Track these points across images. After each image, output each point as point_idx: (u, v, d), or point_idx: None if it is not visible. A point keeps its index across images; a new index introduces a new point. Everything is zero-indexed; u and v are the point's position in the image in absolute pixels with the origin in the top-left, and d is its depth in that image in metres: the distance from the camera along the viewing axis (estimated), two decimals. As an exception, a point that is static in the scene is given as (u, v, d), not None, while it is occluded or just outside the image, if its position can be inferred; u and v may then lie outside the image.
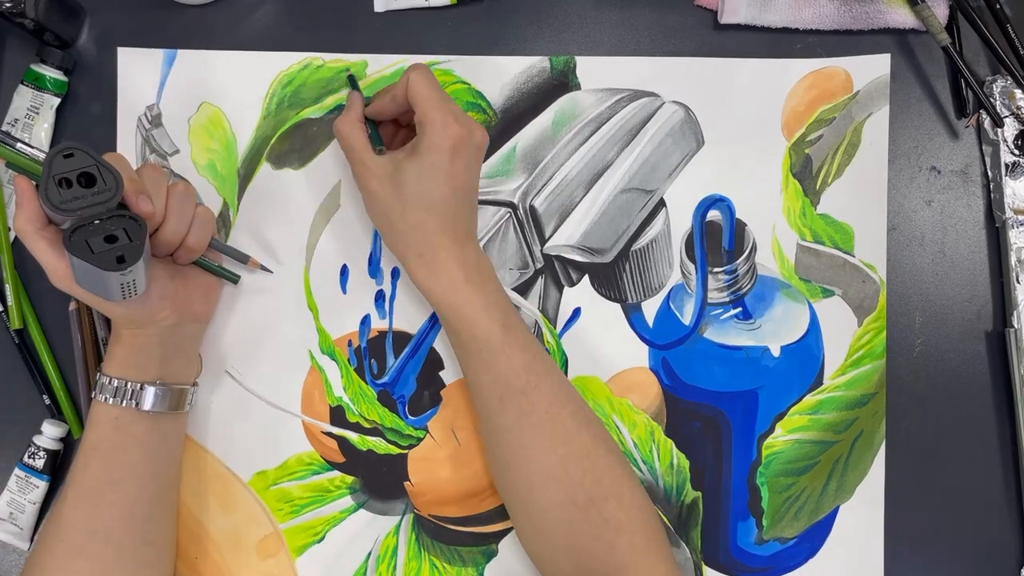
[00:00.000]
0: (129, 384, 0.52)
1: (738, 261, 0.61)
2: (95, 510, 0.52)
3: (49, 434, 0.58)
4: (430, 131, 0.51)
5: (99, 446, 0.52)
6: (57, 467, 0.59)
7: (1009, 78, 0.60)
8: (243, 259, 0.58)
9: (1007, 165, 0.60)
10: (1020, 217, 0.60)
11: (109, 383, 0.52)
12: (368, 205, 0.55)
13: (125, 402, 0.52)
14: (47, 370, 0.60)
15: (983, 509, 0.60)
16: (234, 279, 0.58)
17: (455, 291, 0.52)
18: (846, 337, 0.60)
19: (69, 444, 0.60)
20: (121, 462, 0.53)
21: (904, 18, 0.60)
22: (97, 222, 0.46)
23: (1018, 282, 0.59)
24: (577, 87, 0.61)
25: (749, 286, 0.61)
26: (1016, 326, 0.59)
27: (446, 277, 0.52)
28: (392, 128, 0.58)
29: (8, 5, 0.55)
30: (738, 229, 0.61)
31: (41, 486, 0.58)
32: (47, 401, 0.60)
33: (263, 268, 0.59)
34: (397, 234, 0.53)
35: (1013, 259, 0.60)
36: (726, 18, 0.60)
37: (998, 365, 0.60)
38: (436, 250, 0.52)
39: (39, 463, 0.58)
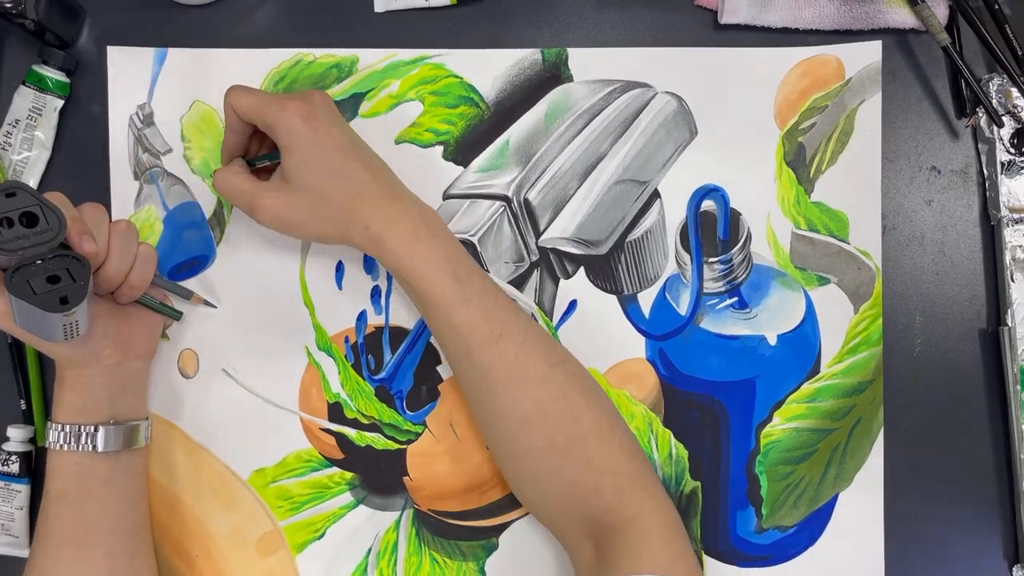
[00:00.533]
0: (82, 427, 0.52)
1: (733, 250, 0.61)
2: (77, 555, 0.52)
3: (16, 438, 0.58)
4: (277, 123, 0.51)
5: (67, 494, 0.52)
6: (32, 467, 0.59)
7: (1006, 76, 0.60)
8: (187, 295, 0.58)
9: (1003, 164, 0.60)
10: (1015, 215, 0.60)
11: (62, 430, 0.52)
12: (290, 230, 0.53)
13: (81, 446, 0.52)
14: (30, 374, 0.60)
15: (980, 507, 0.60)
16: (176, 316, 0.58)
17: (404, 251, 0.51)
18: (842, 324, 0.60)
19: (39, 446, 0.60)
20: (91, 506, 0.53)
21: (904, 18, 0.60)
22: (39, 262, 0.45)
23: (1012, 280, 0.59)
24: (569, 79, 0.61)
25: (744, 275, 0.61)
26: (1010, 324, 0.59)
27: (393, 240, 0.51)
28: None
29: (8, 5, 0.55)
30: (733, 218, 0.61)
31: (23, 490, 0.58)
32: (23, 406, 0.60)
33: (207, 303, 0.59)
34: (333, 222, 0.52)
35: (1008, 257, 0.60)
36: (726, 18, 0.60)
37: (994, 363, 0.60)
38: (373, 217, 0.51)
39: (14, 468, 0.58)
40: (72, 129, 0.61)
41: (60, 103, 0.60)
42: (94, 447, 0.52)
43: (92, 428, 0.52)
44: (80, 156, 0.61)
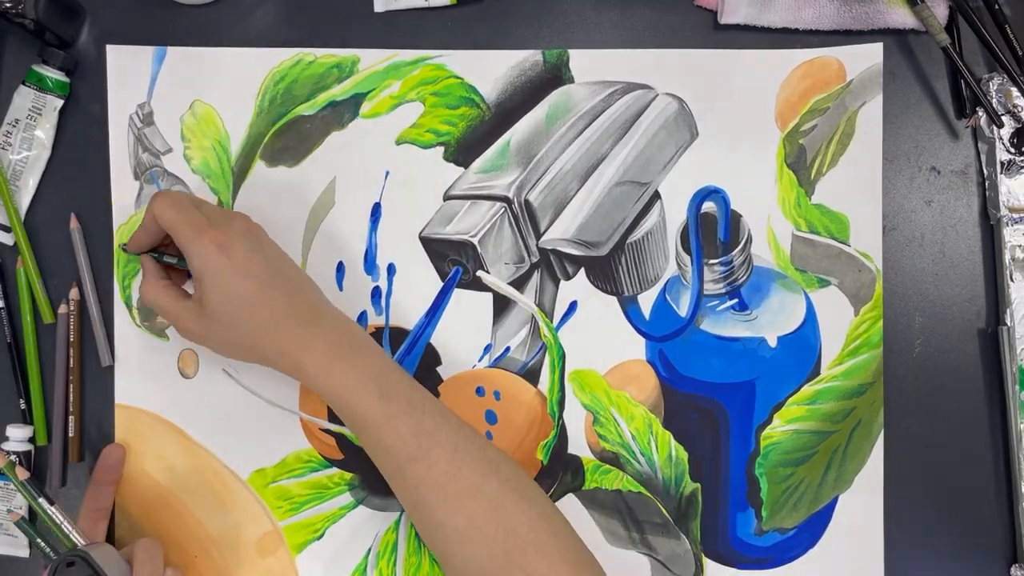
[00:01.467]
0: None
1: (734, 252, 0.61)
2: None
3: (16, 437, 0.58)
4: (191, 249, 0.51)
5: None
6: (32, 467, 0.59)
7: (1005, 75, 0.60)
8: None
9: (1002, 163, 0.60)
10: (1015, 215, 0.60)
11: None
12: (213, 349, 0.54)
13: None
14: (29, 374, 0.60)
15: (978, 507, 0.60)
16: None
17: (324, 374, 0.50)
18: (843, 327, 0.60)
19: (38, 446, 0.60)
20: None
21: (904, 18, 0.60)
22: None
23: (1011, 280, 0.59)
24: (570, 80, 0.61)
25: (745, 277, 0.61)
26: (1009, 324, 0.59)
27: (310, 364, 0.50)
28: None
29: (8, 5, 0.55)
30: (733, 220, 0.61)
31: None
32: (23, 406, 0.60)
33: None
34: (249, 350, 0.52)
35: (1007, 257, 0.60)
36: (726, 18, 0.60)
37: (994, 363, 0.60)
38: (288, 343, 0.51)
39: None
40: (72, 129, 0.61)
41: (60, 103, 0.60)
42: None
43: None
44: (80, 156, 0.61)
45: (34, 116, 0.59)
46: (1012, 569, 0.59)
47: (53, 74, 0.59)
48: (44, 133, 0.60)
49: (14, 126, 0.59)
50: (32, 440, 0.59)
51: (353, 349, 0.51)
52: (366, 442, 0.52)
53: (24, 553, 0.59)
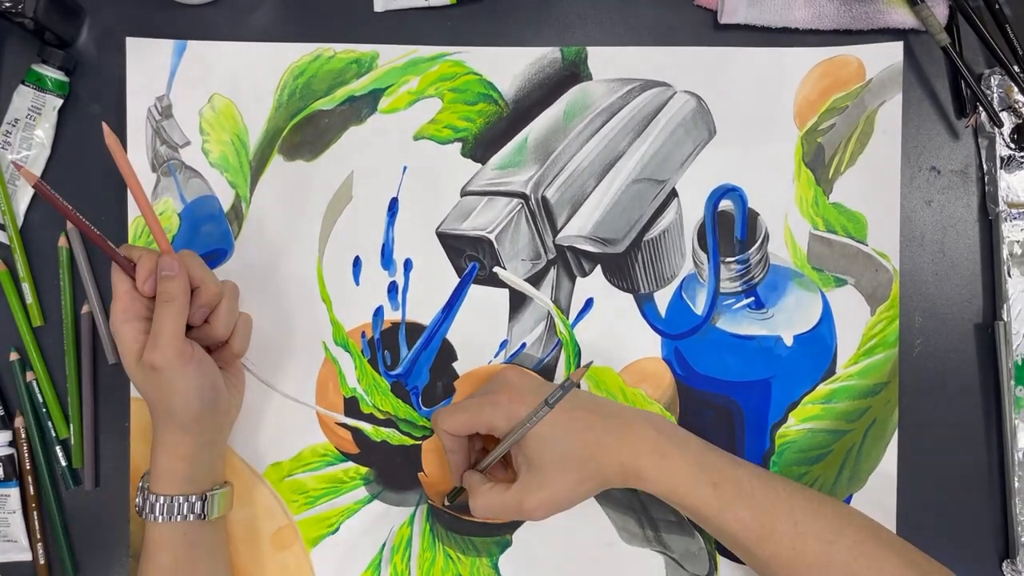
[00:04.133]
0: (192, 498, 0.52)
1: (750, 251, 0.61)
2: None
3: None
4: (499, 422, 0.52)
5: (176, 566, 0.52)
6: (16, 469, 0.59)
7: (1005, 74, 0.60)
8: None
9: (1002, 159, 0.60)
10: (1014, 211, 0.60)
11: (172, 501, 0.52)
12: (563, 507, 0.53)
13: (192, 516, 0.52)
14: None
15: (973, 502, 0.60)
16: None
17: (661, 475, 0.51)
18: (859, 326, 0.60)
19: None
20: (201, 573, 0.53)
21: (904, 18, 0.60)
22: None
23: (1009, 275, 0.60)
24: (588, 77, 0.61)
25: (761, 276, 0.61)
26: (1005, 319, 0.59)
27: (647, 467, 0.51)
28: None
29: (8, 5, 0.55)
30: (750, 218, 0.61)
31: (12, 493, 0.59)
32: (0, 411, 0.60)
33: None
34: (592, 483, 0.52)
35: (1005, 252, 0.60)
36: (726, 18, 0.60)
37: (992, 359, 0.60)
38: (619, 453, 0.51)
39: None
40: (71, 128, 0.61)
41: (59, 102, 0.60)
42: (201, 516, 0.52)
43: (201, 497, 0.52)
44: (79, 155, 0.61)
45: (34, 116, 0.59)
46: (1004, 565, 0.60)
47: (53, 74, 0.59)
48: (44, 133, 0.60)
49: (14, 126, 0.59)
50: (12, 444, 0.59)
51: (672, 440, 0.52)
52: (711, 530, 0.53)
53: (26, 557, 0.59)
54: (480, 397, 0.54)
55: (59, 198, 0.49)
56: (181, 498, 0.52)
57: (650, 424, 0.53)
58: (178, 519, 0.52)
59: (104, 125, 0.49)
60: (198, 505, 0.52)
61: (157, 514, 0.51)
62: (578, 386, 0.54)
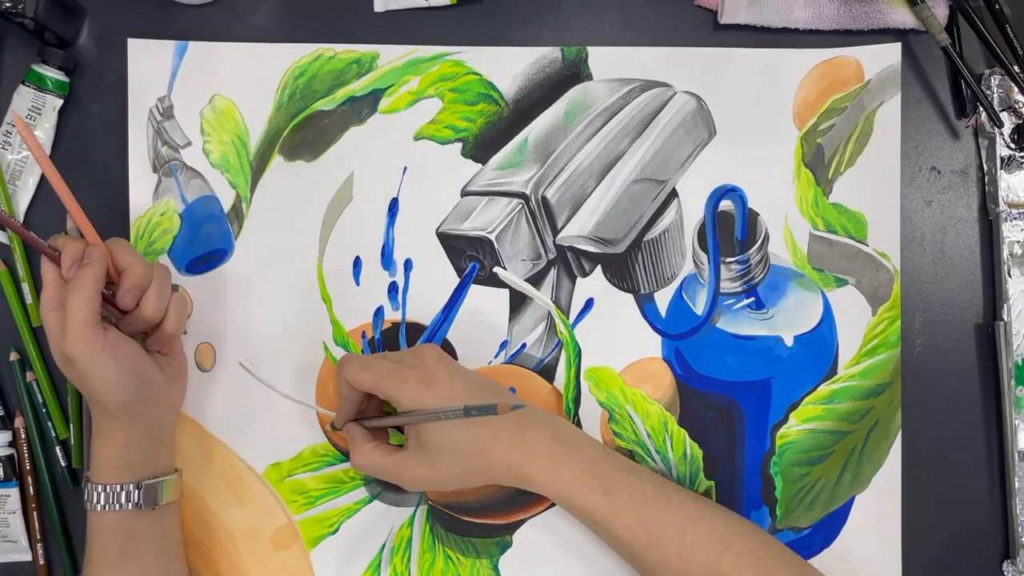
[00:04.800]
0: (127, 486, 0.51)
1: (751, 251, 0.61)
2: None
3: None
4: (400, 396, 0.52)
5: (104, 556, 0.52)
6: (16, 470, 0.59)
7: (1005, 74, 0.60)
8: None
9: (1003, 159, 0.60)
10: (1014, 211, 0.60)
11: (105, 490, 0.51)
12: (439, 488, 0.54)
13: (126, 505, 0.51)
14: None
15: (973, 502, 0.60)
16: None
17: (550, 478, 0.51)
18: (860, 326, 0.60)
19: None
20: (132, 567, 0.52)
21: (904, 18, 0.60)
22: None
23: (1009, 276, 0.60)
24: (589, 77, 0.61)
25: (762, 276, 0.61)
26: (1006, 319, 0.59)
27: (537, 471, 0.51)
28: None
29: (8, 5, 0.55)
30: (750, 219, 0.61)
31: (12, 493, 0.59)
32: (0, 412, 0.60)
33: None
34: (477, 472, 0.52)
35: (1005, 252, 0.60)
36: (726, 18, 0.60)
37: (992, 359, 0.60)
38: (512, 455, 0.51)
39: None
40: (71, 129, 0.61)
41: (59, 102, 0.60)
42: (138, 504, 0.52)
43: (136, 485, 0.52)
44: (79, 155, 0.61)
45: (33, 116, 0.59)
46: (1004, 565, 0.59)
47: (53, 74, 0.59)
48: (43, 133, 0.60)
49: (14, 126, 0.60)
50: (12, 444, 0.60)
51: (567, 445, 0.52)
52: (598, 534, 0.53)
53: (26, 557, 0.59)
54: (391, 365, 0.52)
55: None
56: (118, 487, 0.51)
57: (547, 426, 0.53)
58: (116, 507, 0.51)
59: (13, 112, 0.49)
60: (136, 494, 0.51)
61: (94, 502, 0.51)
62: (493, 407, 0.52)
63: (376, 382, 0.52)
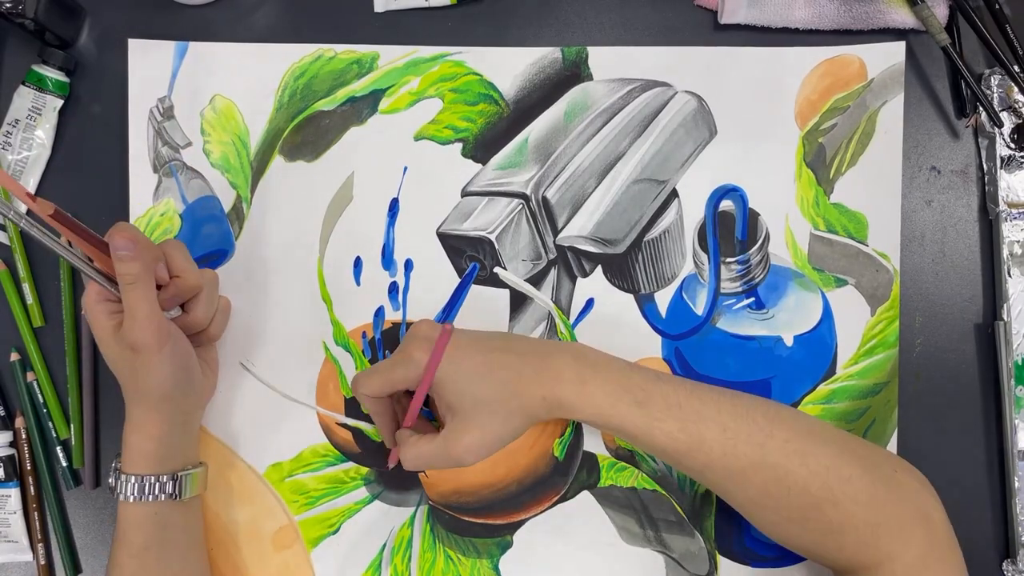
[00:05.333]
0: (163, 477, 0.52)
1: (751, 251, 0.61)
2: None
3: None
4: (415, 379, 0.52)
5: (149, 546, 0.52)
6: (17, 470, 0.59)
7: (1005, 74, 0.60)
8: None
9: (1003, 159, 0.60)
10: (1014, 211, 0.60)
11: (143, 481, 0.51)
12: (495, 447, 0.52)
13: (164, 496, 0.52)
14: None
15: (973, 502, 0.60)
16: None
17: (583, 401, 0.50)
18: (859, 326, 0.60)
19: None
20: (173, 555, 0.53)
21: (904, 18, 0.60)
22: None
23: (1009, 275, 0.60)
24: (589, 77, 0.61)
25: (762, 276, 0.61)
26: (1006, 319, 0.59)
27: (569, 394, 0.50)
28: None
29: (8, 5, 0.55)
30: (751, 219, 0.61)
31: (13, 493, 0.59)
32: (0, 412, 0.60)
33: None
34: (518, 417, 0.51)
35: (1005, 252, 0.60)
36: (726, 18, 0.60)
37: (992, 359, 0.60)
38: (542, 386, 0.51)
39: (0, 473, 0.59)
40: (72, 129, 0.61)
41: (60, 103, 0.60)
42: (173, 496, 0.52)
43: (171, 476, 0.52)
44: (79, 156, 0.61)
45: (34, 116, 0.59)
46: (1004, 564, 0.60)
47: (53, 74, 0.59)
48: (44, 133, 0.60)
49: (14, 126, 0.60)
50: (13, 444, 0.60)
51: (592, 366, 0.52)
52: (641, 446, 0.52)
53: (27, 557, 0.59)
54: (392, 356, 0.53)
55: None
56: (152, 478, 0.52)
57: (568, 353, 0.52)
58: (149, 499, 0.51)
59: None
60: (170, 485, 0.52)
61: (128, 494, 0.51)
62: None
63: (386, 379, 0.52)
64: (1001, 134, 0.60)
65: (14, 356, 0.60)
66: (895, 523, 0.49)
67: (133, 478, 0.51)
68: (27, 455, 0.59)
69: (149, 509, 0.52)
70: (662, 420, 0.50)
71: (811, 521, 0.49)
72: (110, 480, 0.53)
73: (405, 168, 0.60)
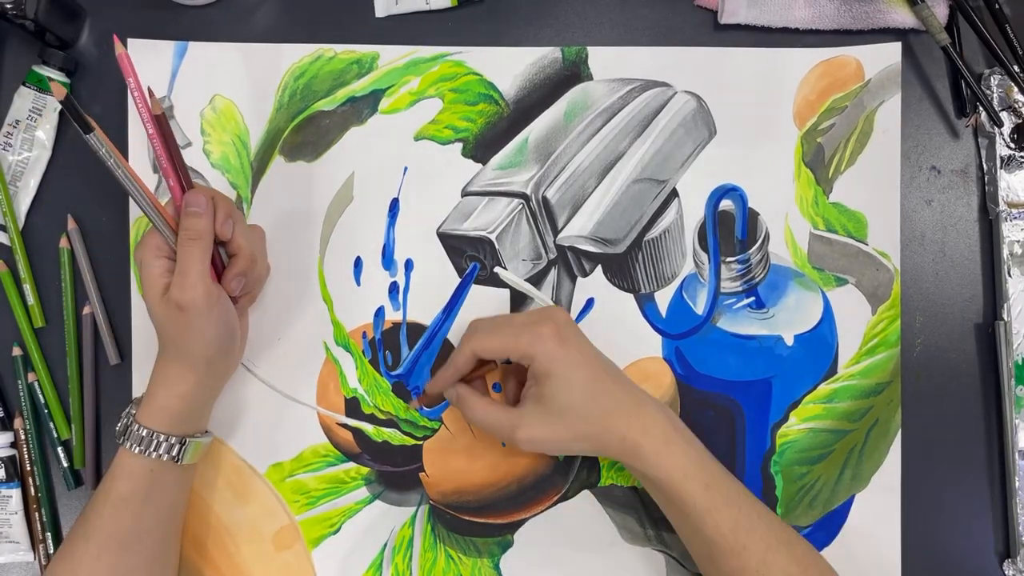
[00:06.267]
0: (172, 438, 0.52)
1: (751, 250, 0.61)
2: (119, 560, 0.51)
3: None
4: (535, 352, 0.52)
5: (131, 498, 0.52)
6: (18, 471, 0.59)
7: (1005, 74, 0.60)
8: None
9: (1002, 158, 0.60)
10: (1014, 211, 0.60)
11: (152, 436, 0.51)
12: (547, 449, 0.53)
13: (167, 456, 0.52)
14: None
15: (973, 502, 0.60)
16: None
17: (659, 459, 0.51)
18: (860, 326, 0.60)
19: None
20: (150, 513, 0.52)
21: (904, 18, 0.60)
22: None
23: (1009, 275, 0.60)
24: (589, 77, 0.61)
25: (762, 275, 0.61)
26: (1006, 319, 0.59)
27: (650, 449, 0.51)
28: None
29: (8, 5, 0.55)
30: (751, 218, 0.61)
31: (14, 494, 0.59)
32: (0, 412, 0.60)
33: None
34: (588, 439, 0.51)
35: (1005, 252, 0.60)
36: (726, 18, 0.60)
37: (992, 359, 0.61)
38: (629, 429, 0.51)
39: (0, 474, 0.59)
40: (72, 129, 0.61)
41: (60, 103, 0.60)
42: (176, 458, 0.52)
43: (181, 440, 0.52)
44: (80, 156, 0.61)
45: (34, 117, 0.59)
46: (1005, 565, 0.60)
47: (53, 75, 0.59)
48: (44, 134, 0.60)
49: (14, 127, 0.60)
50: (14, 445, 0.60)
51: (679, 432, 0.52)
52: (684, 528, 0.53)
53: (28, 558, 0.59)
54: (523, 320, 0.53)
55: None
56: (162, 436, 0.52)
57: (662, 411, 0.53)
58: (152, 455, 0.51)
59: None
60: (176, 448, 0.52)
61: (133, 444, 0.51)
62: None
63: (505, 346, 0.52)
64: (1001, 134, 0.60)
65: (16, 351, 0.59)
66: None
67: (145, 430, 0.51)
68: (28, 456, 0.59)
69: (146, 464, 0.52)
70: (719, 513, 0.50)
71: None
72: (119, 424, 0.53)
73: (405, 168, 0.60)
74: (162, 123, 0.50)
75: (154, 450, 0.51)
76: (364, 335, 0.60)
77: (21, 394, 0.60)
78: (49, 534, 0.60)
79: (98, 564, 0.51)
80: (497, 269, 0.60)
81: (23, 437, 0.59)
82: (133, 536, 0.52)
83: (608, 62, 0.61)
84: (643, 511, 0.60)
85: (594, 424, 0.51)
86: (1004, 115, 0.60)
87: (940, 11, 0.60)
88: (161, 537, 0.54)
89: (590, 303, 0.60)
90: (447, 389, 0.55)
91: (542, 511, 0.60)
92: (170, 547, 0.55)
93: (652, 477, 0.51)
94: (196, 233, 0.50)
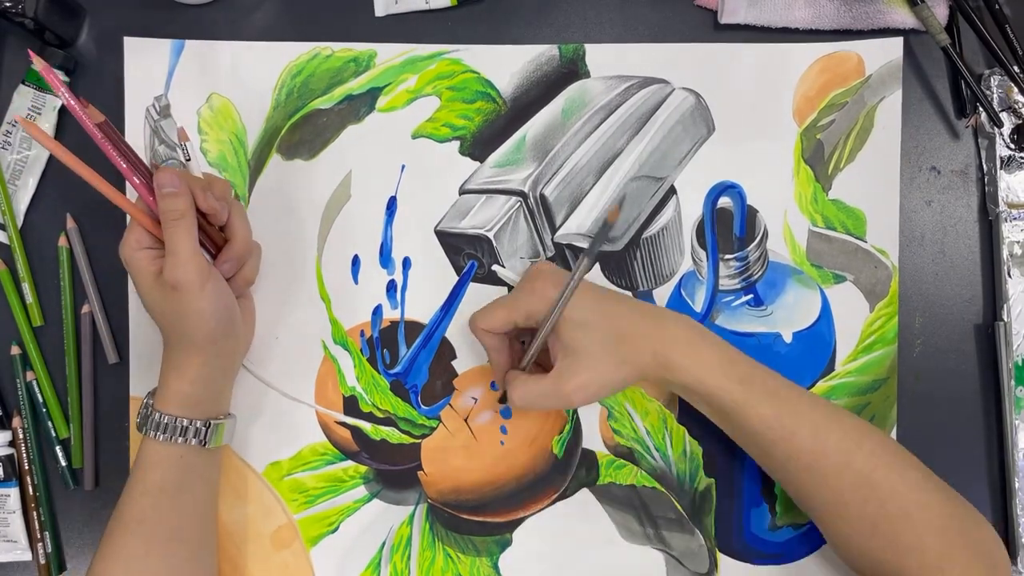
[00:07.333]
0: (196, 422, 0.52)
1: (749, 248, 0.60)
2: (166, 552, 0.51)
3: None
4: (541, 310, 0.53)
5: (165, 487, 0.52)
6: (16, 470, 0.59)
7: (1005, 74, 0.59)
8: None
9: (1002, 159, 0.60)
10: (1014, 211, 0.59)
11: (174, 421, 0.51)
12: (603, 393, 0.53)
13: (195, 440, 0.52)
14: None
15: (974, 504, 0.60)
16: None
17: (692, 363, 0.51)
18: (858, 323, 0.60)
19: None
20: (188, 500, 0.53)
21: (904, 18, 0.60)
22: None
23: (1009, 276, 0.59)
24: (587, 75, 0.61)
25: (760, 273, 0.60)
26: (1006, 320, 0.59)
27: (679, 356, 0.51)
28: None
29: (8, 4, 0.55)
30: (749, 215, 0.60)
31: (12, 493, 0.59)
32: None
33: None
34: (629, 367, 0.52)
35: (1005, 252, 0.60)
36: (726, 18, 0.60)
37: (992, 360, 0.60)
38: (656, 342, 0.51)
39: None
40: (71, 128, 0.61)
41: (59, 102, 0.60)
42: (202, 442, 0.52)
43: (204, 423, 0.52)
44: (79, 155, 0.60)
45: (34, 116, 0.59)
46: None
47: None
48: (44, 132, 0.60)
49: (14, 125, 0.60)
50: (12, 444, 0.60)
51: (703, 336, 0.53)
52: (731, 427, 0.53)
53: (26, 557, 0.59)
54: (514, 290, 0.54)
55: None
56: (185, 421, 0.52)
57: (682, 320, 0.53)
58: (179, 441, 0.51)
59: (16, 116, 0.50)
60: (202, 431, 0.52)
61: (158, 432, 0.51)
62: (608, 224, 0.57)
63: (508, 312, 0.53)
64: (1001, 134, 0.60)
65: (15, 350, 0.60)
66: (962, 558, 0.49)
67: (165, 417, 0.51)
68: (26, 455, 0.59)
69: (174, 451, 0.52)
70: (760, 404, 0.51)
71: (880, 536, 0.50)
72: (139, 415, 0.53)
73: (403, 166, 0.60)
74: (105, 129, 0.49)
75: (180, 435, 0.51)
76: (362, 333, 0.60)
77: (19, 393, 0.60)
78: (47, 533, 0.59)
79: (148, 560, 0.51)
80: (495, 267, 0.60)
81: (21, 436, 0.60)
82: (175, 527, 0.52)
83: (606, 59, 0.61)
84: (642, 509, 0.60)
85: (622, 348, 0.51)
86: (1004, 116, 0.60)
87: (940, 11, 0.59)
88: (200, 529, 0.54)
89: (588, 301, 0.60)
90: (503, 376, 0.55)
91: (541, 510, 0.60)
92: (211, 541, 0.55)
93: (687, 384, 0.52)
94: (178, 213, 0.50)
